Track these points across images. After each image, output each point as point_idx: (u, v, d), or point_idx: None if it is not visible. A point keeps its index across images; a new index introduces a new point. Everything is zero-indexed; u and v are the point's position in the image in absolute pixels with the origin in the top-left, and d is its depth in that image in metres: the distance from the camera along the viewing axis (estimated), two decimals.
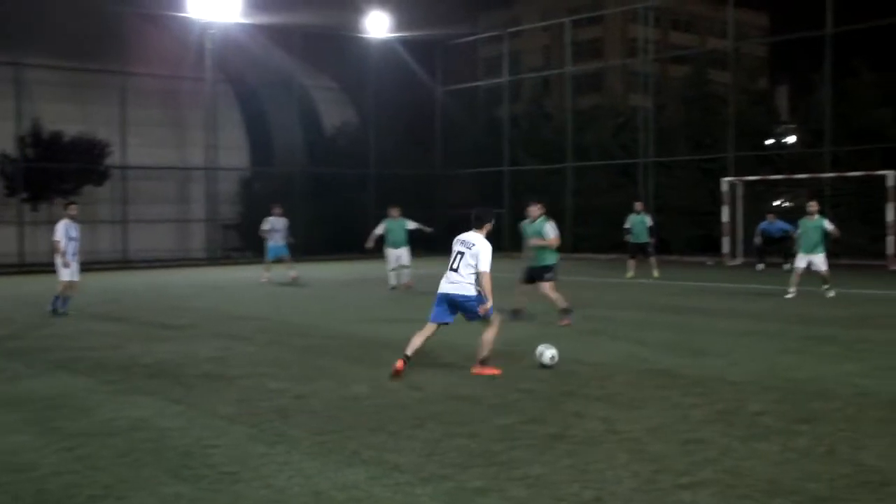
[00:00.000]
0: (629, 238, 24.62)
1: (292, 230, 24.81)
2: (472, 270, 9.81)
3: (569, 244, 34.46)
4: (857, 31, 31.01)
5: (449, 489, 5.84)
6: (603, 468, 6.25)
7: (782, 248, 27.03)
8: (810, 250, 18.50)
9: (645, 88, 39.64)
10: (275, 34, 38.65)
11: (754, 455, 6.56)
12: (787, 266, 26.33)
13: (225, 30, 35.76)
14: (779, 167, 32.77)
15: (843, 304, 17.38)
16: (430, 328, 9.94)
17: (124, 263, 32.90)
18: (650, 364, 10.51)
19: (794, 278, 18.69)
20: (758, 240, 28.02)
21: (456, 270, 9.86)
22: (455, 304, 9.91)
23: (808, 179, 30.50)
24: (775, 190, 33.56)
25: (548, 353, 10.19)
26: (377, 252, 22.12)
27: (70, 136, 32.87)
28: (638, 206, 25.10)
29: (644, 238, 24.35)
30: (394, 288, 21.21)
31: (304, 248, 33.14)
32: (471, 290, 9.83)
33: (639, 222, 24.39)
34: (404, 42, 40.88)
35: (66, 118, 32.68)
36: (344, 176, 38.70)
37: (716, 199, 31.61)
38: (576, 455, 6.58)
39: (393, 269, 21.54)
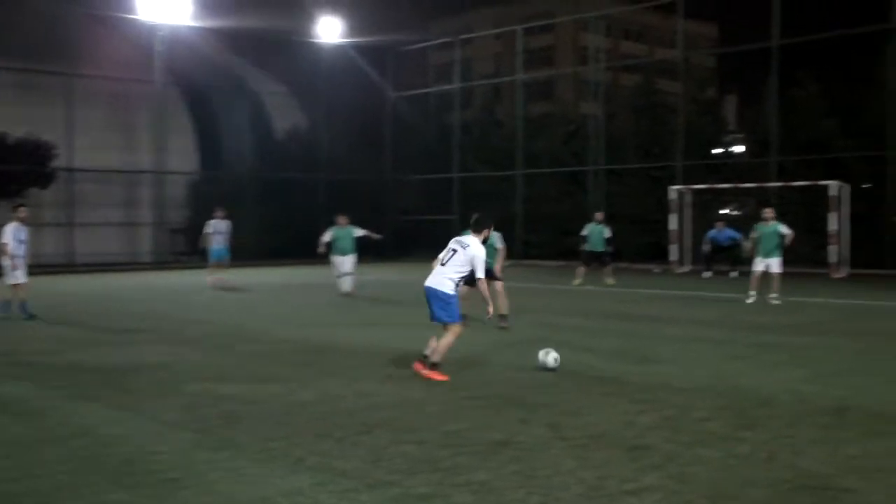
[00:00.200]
0: (584, 246, 24.69)
1: (240, 234, 24.61)
2: (460, 270, 9.88)
3: (518, 251, 34.63)
4: (803, 43, 31.63)
5: (394, 495, 5.82)
6: (549, 474, 6.26)
7: (730, 256, 27.33)
8: (767, 254, 18.91)
9: (595, 97, 39.92)
10: (225, 37, 38.19)
11: (698, 461, 6.62)
12: (733, 274, 26.71)
13: (174, 32, 35.39)
14: (726, 176, 33.21)
15: (788, 311, 17.67)
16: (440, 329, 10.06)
17: (70, 267, 32.35)
18: (597, 371, 10.56)
19: (753, 283, 19.09)
20: (706, 247, 28.30)
21: (444, 265, 9.98)
22: (429, 297, 9.95)
23: (754, 188, 30.96)
24: (723, 198, 34.01)
25: (551, 356, 10.37)
26: (326, 258, 22.09)
27: (15, 138, 32.33)
28: (598, 215, 25.15)
29: (600, 248, 24.34)
30: (346, 294, 21.18)
31: (253, 252, 32.94)
32: (449, 288, 9.89)
33: (597, 232, 24.41)
34: (356, 47, 40.81)
35: (11, 120, 32.06)
36: (294, 180, 38.53)
37: (664, 207, 31.93)
38: (522, 461, 6.59)
39: (339, 276, 21.55)
